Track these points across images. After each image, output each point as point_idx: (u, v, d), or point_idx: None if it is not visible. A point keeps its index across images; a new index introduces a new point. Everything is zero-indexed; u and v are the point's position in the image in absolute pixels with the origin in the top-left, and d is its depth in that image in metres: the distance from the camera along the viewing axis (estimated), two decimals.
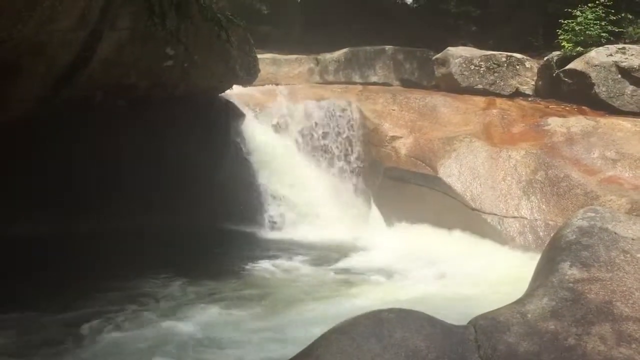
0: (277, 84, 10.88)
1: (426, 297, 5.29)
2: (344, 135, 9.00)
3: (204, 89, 8.13)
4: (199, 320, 4.74)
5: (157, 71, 7.12)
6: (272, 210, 8.27)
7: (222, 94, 8.78)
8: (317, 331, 3.09)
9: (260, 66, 10.38)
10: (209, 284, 5.69)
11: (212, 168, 7.95)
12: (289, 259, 6.78)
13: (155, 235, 6.79)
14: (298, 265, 6.58)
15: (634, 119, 8.52)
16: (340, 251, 7.09)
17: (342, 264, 6.61)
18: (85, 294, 5.23)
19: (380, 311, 3.03)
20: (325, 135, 9.00)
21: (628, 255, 3.26)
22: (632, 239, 3.37)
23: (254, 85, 10.18)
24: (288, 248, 7.30)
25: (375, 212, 8.46)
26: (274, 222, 8.21)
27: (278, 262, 6.64)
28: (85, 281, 5.50)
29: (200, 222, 7.52)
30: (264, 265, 6.51)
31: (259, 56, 10.38)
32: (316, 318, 4.72)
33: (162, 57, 6.97)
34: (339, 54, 12.47)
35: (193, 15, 6.20)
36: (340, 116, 9.07)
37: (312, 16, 14.05)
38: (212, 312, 4.95)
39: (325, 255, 6.92)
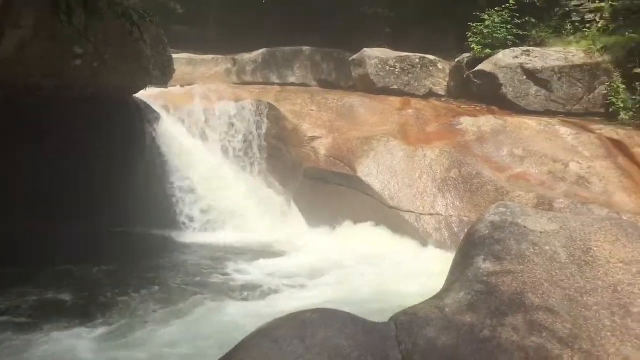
0: (193, 85, 10.65)
1: (349, 295, 5.33)
2: (262, 136, 8.94)
3: (115, 89, 7.81)
4: None
5: (64, 71, 6.81)
6: (189, 213, 8.07)
7: (136, 94, 8.48)
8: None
9: (176, 66, 10.14)
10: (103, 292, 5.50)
11: (125, 170, 7.66)
12: (207, 261, 6.65)
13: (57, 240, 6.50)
14: (216, 266, 6.46)
15: (539, 118, 8.98)
16: (260, 253, 6.99)
17: (263, 265, 6.50)
18: None
19: (303, 312, 3.01)
20: (242, 136, 8.91)
21: (537, 248, 3.41)
22: (540, 232, 3.53)
23: (170, 86, 9.94)
24: (209, 251, 7.16)
25: (295, 212, 8.45)
26: (191, 225, 8.02)
27: (195, 266, 6.50)
28: None
29: (115, 226, 7.24)
30: (180, 270, 6.35)
31: (174, 56, 10.14)
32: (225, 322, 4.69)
33: (70, 56, 6.69)
34: (256, 54, 12.38)
35: (103, 12, 5.96)
36: (257, 117, 9.00)
37: (227, 16, 13.88)
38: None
39: (243, 257, 6.81)
